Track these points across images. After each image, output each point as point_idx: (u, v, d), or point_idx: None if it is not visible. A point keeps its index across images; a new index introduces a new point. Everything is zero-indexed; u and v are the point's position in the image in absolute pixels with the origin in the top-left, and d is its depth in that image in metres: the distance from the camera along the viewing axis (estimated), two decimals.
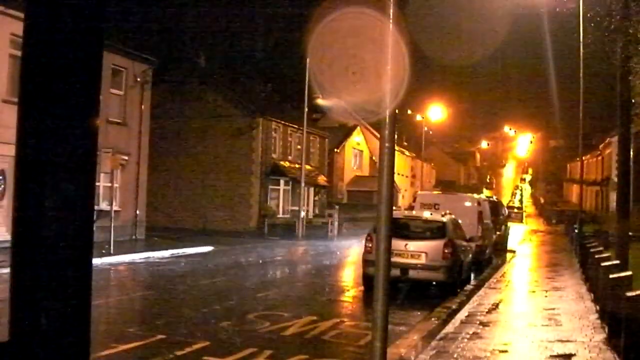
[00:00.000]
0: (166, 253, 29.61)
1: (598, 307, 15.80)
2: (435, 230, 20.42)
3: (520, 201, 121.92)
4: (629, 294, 9.98)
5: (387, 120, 7.07)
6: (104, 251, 26.02)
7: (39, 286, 1.74)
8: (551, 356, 11.14)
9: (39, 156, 1.75)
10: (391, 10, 6.90)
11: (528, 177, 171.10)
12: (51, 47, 1.75)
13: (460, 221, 23.27)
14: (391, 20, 6.89)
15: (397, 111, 7.27)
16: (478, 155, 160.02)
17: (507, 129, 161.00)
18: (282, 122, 50.91)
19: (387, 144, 7.15)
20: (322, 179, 57.07)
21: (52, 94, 1.75)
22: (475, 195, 33.82)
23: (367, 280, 18.57)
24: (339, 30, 7.18)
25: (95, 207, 19.70)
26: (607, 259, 16.69)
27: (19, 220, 1.77)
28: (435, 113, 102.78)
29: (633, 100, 20.87)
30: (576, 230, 36.61)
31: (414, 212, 24.51)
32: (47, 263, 1.75)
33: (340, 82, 7.11)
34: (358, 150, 74.13)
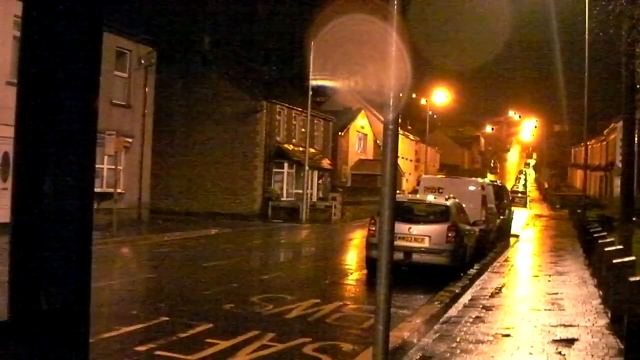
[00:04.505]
0: (170, 235, 29.66)
1: (601, 292, 15.81)
2: (439, 214, 20.42)
3: (524, 186, 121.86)
4: (632, 278, 9.98)
5: (391, 103, 7.05)
6: (107, 233, 26.08)
7: (39, 267, 1.74)
8: (554, 340, 11.15)
9: (38, 137, 1.74)
10: (395, 10, 6.87)
11: (532, 162, 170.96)
12: (50, 28, 1.74)
13: (464, 205, 23.26)
14: (395, 10, 6.87)
15: (400, 95, 7.25)
16: (482, 140, 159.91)
17: (512, 114, 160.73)
18: (287, 105, 50.81)
19: (390, 127, 7.13)
20: (326, 163, 57.03)
21: (51, 75, 1.75)
22: (480, 180, 33.79)
23: (371, 264, 18.56)
24: (344, 17, 7.15)
25: (99, 190, 19.71)
26: (611, 244, 16.69)
27: (19, 201, 1.77)
28: (440, 97, 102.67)
29: (638, 86, 20.82)
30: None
31: (417, 196, 24.52)
32: (46, 244, 1.74)
33: (344, 65, 7.09)
34: (362, 134, 74.07)
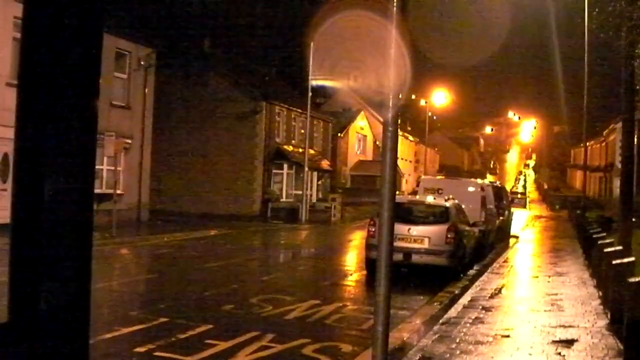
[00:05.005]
0: (169, 236, 29.64)
1: (601, 293, 15.81)
2: (439, 215, 20.41)
3: (524, 187, 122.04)
4: (632, 279, 9.98)
5: (390, 104, 7.05)
6: (107, 234, 26.07)
7: (39, 268, 1.74)
8: (553, 341, 11.15)
9: (38, 139, 1.74)
10: (395, 10, 6.87)
11: (532, 163, 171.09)
12: (50, 29, 1.74)
13: (463, 206, 23.26)
14: (395, 9, 6.87)
15: (400, 96, 7.25)
16: (482, 141, 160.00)
17: (511, 115, 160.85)
18: (286, 106, 50.82)
19: (390, 128, 7.13)
20: (325, 164, 57.04)
21: (51, 76, 1.75)
22: (479, 181, 33.78)
23: (370, 265, 18.56)
24: (343, 16, 7.16)
25: (99, 191, 19.71)
26: (610, 244, 16.69)
27: (18, 202, 1.77)
28: (439, 98, 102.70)
29: (638, 86, 20.84)
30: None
31: (417, 197, 24.51)
32: (46, 245, 1.74)
33: (344, 63, 7.10)
34: (362, 135, 74.06)
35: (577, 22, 28.96)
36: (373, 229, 18.93)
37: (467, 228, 21.85)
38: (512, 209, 41.70)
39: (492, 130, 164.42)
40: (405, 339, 11.69)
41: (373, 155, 73.91)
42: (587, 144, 41.85)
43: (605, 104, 52.72)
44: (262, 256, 27.26)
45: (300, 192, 47.01)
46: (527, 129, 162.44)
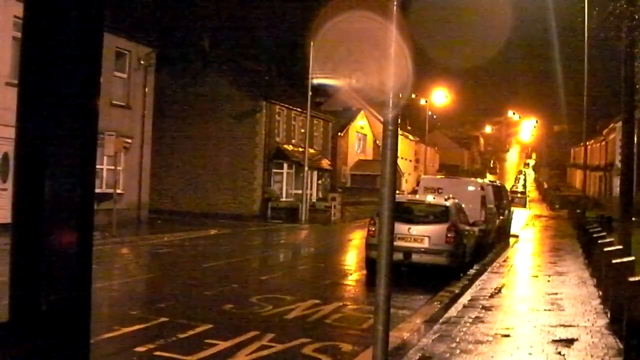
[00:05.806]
0: (169, 236, 29.64)
1: (600, 292, 15.82)
2: (439, 215, 20.40)
3: (524, 186, 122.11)
4: (632, 279, 9.99)
5: (391, 103, 7.04)
6: (107, 234, 26.07)
7: (39, 267, 1.74)
8: (553, 341, 11.16)
9: (38, 138, 1.74)
10: (394, 10, 6.86)
11: (532, 162, 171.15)
12: (50, 28, 1.74)
13: (463, 205, 23.26)
14: (395, 8, 6.86)
15: (400, 95, 7.24)
16: (482, 140, 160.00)
17: (511, 114, 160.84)
18: (286, 105, 50.78)
19: (390, 127, 7.13)
20: (325, 163, 57.01)
21: (52, 75, 1.75)
22: (479, 180, 33.76)
23: (370, 264, 18.56)
24: (344, 15, 7.16)
25: (99, 190, 19.69)
26: (610, 244, 16.69)
27: (19, 202, 1.77)
28: (439, 97, 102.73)
29: (638, 86, 20.83)
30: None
31: (417, 196, 24.50)
32: (46, 245, 1.74)
33: (345, 63, 7.10)
34: (362, 134, 74.02)
35: (577, 21, 28.94)
36: (373, 229, 18.93)
37: (467, 227, 21.85)
38: (512, 208, 41.68)
39: (492, 129, 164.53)
40: (405, 338, 11.70)
41: (373, 154, 73.87)
42: (587, 143, 41.84)
43: (605, 103, 52.76)
44: (262, 256, 27.25)
45: (300, 192, 46.99)
46: (527, 128, 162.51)
